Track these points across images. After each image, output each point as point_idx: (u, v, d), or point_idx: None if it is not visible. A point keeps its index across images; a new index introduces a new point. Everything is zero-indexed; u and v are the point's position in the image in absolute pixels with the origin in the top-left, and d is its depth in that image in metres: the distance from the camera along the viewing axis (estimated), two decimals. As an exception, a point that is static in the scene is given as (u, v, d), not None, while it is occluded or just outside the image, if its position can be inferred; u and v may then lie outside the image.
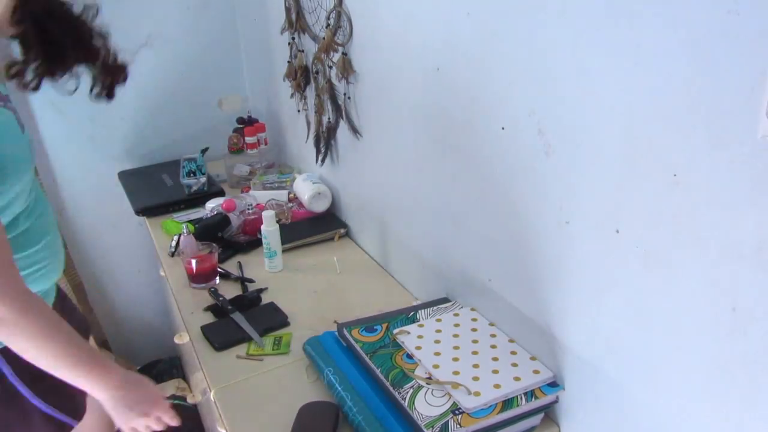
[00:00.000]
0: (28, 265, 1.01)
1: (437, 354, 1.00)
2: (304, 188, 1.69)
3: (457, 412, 0.88)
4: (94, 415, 1.14)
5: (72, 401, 1.07)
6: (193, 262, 1.40)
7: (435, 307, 1.13)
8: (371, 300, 1.35)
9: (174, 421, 1.01)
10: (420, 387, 0.93)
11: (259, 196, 1.78)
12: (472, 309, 1.12)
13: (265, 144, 2.00)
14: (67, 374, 0.90)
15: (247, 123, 2.01)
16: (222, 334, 1.23)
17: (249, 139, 1.95)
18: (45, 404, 1.00)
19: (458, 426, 0.86)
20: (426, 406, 0.89)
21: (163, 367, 2.22)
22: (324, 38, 1.41)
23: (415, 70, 1.13)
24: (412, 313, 1.12)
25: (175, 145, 2.13)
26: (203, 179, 1.86)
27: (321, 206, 1.69)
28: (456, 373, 0.95)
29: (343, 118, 1.49)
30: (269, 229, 1.43)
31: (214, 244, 1.47)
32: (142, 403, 0.96)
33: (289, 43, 1.65)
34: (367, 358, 1.01)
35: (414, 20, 1.09)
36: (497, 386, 0.92)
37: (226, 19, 2.09)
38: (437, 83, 1.07)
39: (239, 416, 1.03)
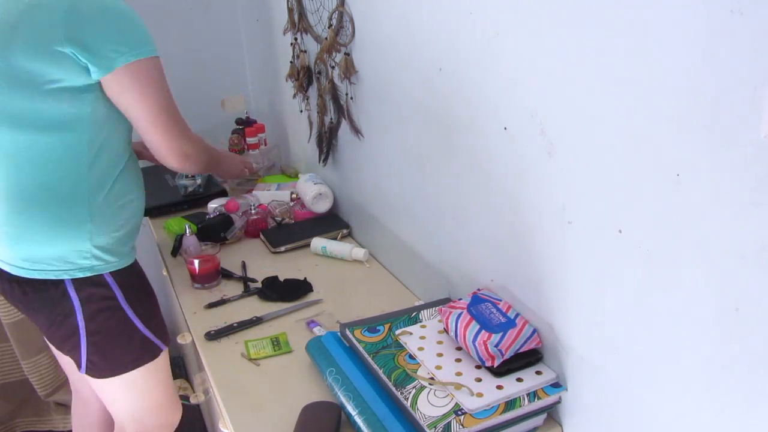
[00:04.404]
0: (130, 196, 1.21)
1: (440, 355, 0.99)
2: (306, 189, 1.69)
3: (459, 412, 0.88)
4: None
5: (163, 329, 1.27)
6: (196, 262, 1.40)
7: (437, 308, 1.13)
8: (373, 300, 1.35)
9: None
10: (422, 387, 0.93)
11: (262, 196, 1.78)
12: (475, 309, 1.12)
13: (265, 144, 2.00)
14: (210, 171, 1.39)
15: (245, 124, 2.01)
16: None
17: (250, 140, 1.96)
18: (144, 326, 1.21)
19: (461, 427, 0.86)
20: (428, 407, 0.89)
21: (165, 367, 2.22)
22: (326, 39, 1.41)
23: (418, 70, 1.13)
24: (414, 314, 1.12)
25: (177, 146, 2.13)
26: (199, 180, 1.86)
27: (323, 207, 1.69)
28: (458, 374, 0.95)
29: (345, 118, 1.49)
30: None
31: (217, 245, 1.47)
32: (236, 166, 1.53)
33: (291, 44, 1.65)
34: (369, 359, 1.01)
35: (416, 20, 1.09)
36: (500, 387, 0.92)
37: (229, 20, 2.10)
38: (439, 83, 1.07)
39: (241, 416, 1.03)
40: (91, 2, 1.04)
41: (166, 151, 1.17)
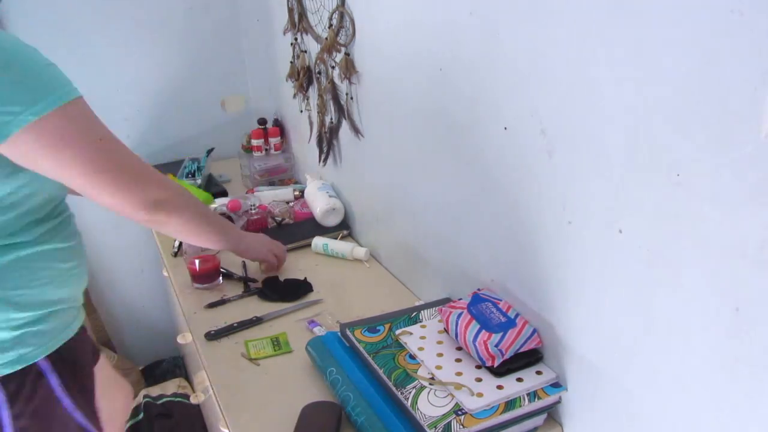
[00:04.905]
0: (67, 258, 1.00)
1: (440, 355, 0.99)
2: (319, 199, 1.64)
3: (459, 412, 0.88)
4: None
5: (97, 415, 1.10)
6: (196, 262, 1.40)
7: (437, 308, 1.13)
8: (373, 300, 1.35)
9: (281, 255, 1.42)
10: (423, 387, 0.93)
11: (263, 196, 1.78)
12: (475, 309, 1.12)
13: (276, 149, 2.01)
14: (206, 244, 1.19)
15: (275, 125, 2.03)
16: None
17: (273, 140, 1.98)
18: (83, 416, 1.04)
19: (461, 426, 0.86)
20: (429, 407, 0.89)
21: (165, 366, 2.22)
22: (326, 39, 1.41)
23: (418, 70, 1.13)
24: (414, 314, 1.12)
25: (178, 146, 2.13)
26: (199, 180, 1.86)
27: (333, 221, 1.65)
28: (459, 374, 0.95)
29: (345, 119, 1.49)
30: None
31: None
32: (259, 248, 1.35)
33: (291, 44, 1.65)
34: (369, 359, 1.01)
35: (416, 20, 1.09)
36: (500, 387, 0.92)
37: (229, 20, 2.10)
38: (440, 83, 1.07)
39: (242, 416, 1.03)
40: None
41: (129, 208, 0.93)
